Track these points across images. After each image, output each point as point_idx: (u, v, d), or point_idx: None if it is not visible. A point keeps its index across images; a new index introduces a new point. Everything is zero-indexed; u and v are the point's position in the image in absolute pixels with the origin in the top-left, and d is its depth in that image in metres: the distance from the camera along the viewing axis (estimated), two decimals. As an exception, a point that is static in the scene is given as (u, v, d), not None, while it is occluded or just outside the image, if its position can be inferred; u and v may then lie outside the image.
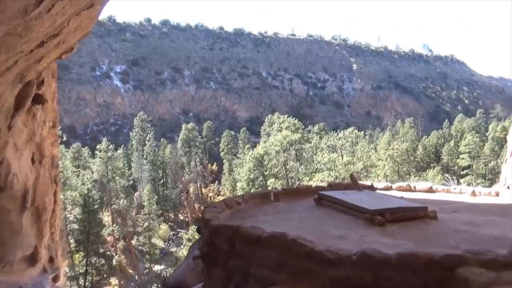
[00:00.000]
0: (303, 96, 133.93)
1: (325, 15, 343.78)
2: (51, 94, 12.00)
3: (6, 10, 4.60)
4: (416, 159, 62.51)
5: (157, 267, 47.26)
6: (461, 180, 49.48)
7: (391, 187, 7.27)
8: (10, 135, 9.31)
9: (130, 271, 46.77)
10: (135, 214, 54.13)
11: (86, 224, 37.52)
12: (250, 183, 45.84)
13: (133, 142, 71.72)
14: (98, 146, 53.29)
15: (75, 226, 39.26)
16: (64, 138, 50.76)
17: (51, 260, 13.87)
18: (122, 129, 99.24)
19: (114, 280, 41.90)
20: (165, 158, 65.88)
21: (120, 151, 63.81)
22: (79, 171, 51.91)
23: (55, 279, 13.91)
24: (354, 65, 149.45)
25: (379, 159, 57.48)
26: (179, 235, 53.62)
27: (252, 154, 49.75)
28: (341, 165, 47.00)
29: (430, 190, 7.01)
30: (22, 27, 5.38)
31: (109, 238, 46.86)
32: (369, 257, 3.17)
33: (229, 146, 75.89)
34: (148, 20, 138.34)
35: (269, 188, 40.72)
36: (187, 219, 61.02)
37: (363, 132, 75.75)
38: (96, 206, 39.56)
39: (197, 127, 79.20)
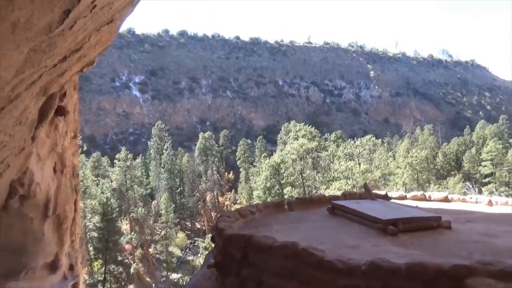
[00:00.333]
0: (319, 104, 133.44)
1: (341, 23, 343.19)
2: (72, 105, 12.41)
3: (32, 27, 4.83)
4: (436, 167, 61.28)
5: (174, 276, 47.50)
6: (483, 189, 48.21)
7: (406, 196, 7.22)
8: (34, 145, 9.68)
9: (148, 279, 47.10)
10: (152, 222, 54.68)
11: (105, 232, 38.14)
12: (267, 192, 45.77)
13: (151, 151, 72.79)
14: (117, 155, 54.33)
15: (94, 234, 39.98)
16: (85, 148, 51.93)
17: (71, 267, 14.21)
18: (141, 138, 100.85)
19: (132, 288, 42.37)
20: (182, 167, 66.50)
21: (138, 160, 64.83)
22: (98, 180, 52.94)
23: (75, 286, 14.23)
24: (372, 72, 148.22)
25: (398, 167, 56.57)
26: (196, 244, 53.81)
27: (268, 162, 49.71)
28: (358, 173, 46.43)
29: (446, 200, 6.92)
30: (47, 43, 5.65)
31: (127, 246, 47.43)
32: (379, 267, 3.20)
33: (245, 155, 76.11)
34: (166, 31, 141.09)
35: (286, 196, 40.59)
36: (204, 227, 61.25)
37: (381, 139, 74.82)
38: (114, 215, 40.22)
39: (214, 135, 79.82)
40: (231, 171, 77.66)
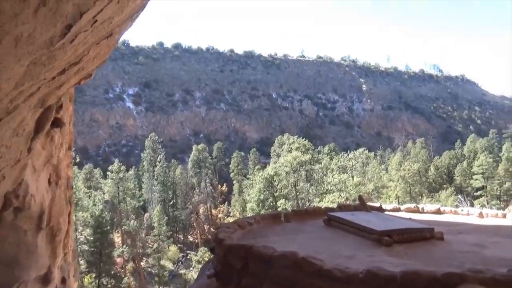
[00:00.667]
0: (313, 117, 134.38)
1: (334, 37, 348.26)
2: (68, 117, 12.45)
3: (34, 42, 4.93)
4: (428, 180, 61.78)
5: (166, 290, 46.86)
6: (475, 202, 48.63)
7: (400, 208, 7.35)
8: (29, 157, 9.67)
9: (139, 293, 46.39)
10: (144, 235, 54.08)
11: (98, 245, 37.67)
12: (260, 204, 45.68)
13: (144, 163, 72.43)
14: (110, 167, 53.96)
15: (85, 247, 39.44)
16: (77, 160, 51.56)
17: (64, 280, 14.01)
18: (134, 150, 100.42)
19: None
20: (175, 179, 66.20)
21: (131, 172, 64.44)
22: (90, 192, 52.45)
23: (67, 299, 14.03)
24: (364, 86, 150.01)
25: (391, 180, 56.94)
26: (188, 257, 53.25)
27: (262, 175, 49.76)
28: (351, 186, 46.66)
29: (438, 212, 7.07)
30: (47, 56, 5.74)
31: (118, 260, 46.77)
32: (375, 275, 3.30)
33: (239, 167, 76.06)
34: (161, 44, 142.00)
35: (279, 209, 40.55)
36: (196, 240, 60.72)
37: (373, 152, 75.32)
38: (107, 228, 39.81)
39: (207, 148, 79.77)
40: (225, 184, 77.43)
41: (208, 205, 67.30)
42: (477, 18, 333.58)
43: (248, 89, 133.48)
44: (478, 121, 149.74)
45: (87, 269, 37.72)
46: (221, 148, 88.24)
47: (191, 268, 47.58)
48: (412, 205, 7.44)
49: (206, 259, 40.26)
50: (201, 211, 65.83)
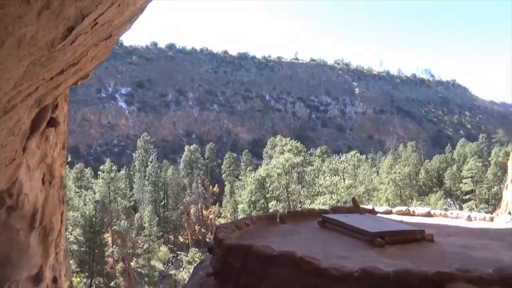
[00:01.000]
0: (305, 119, 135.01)
1: (328, 40, 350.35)
2: (63, 117, 12.45)
3: (36, 43, 4.99)
4: (418, 183, 62.41)
5: (156, 290, 46.66)
6: (464, 205, 49.23)
7: (391, 211, 7.53)
8: (24, 156, 9.67)
9: (129, 293, 46.12)
10: (135, 235, 53.80)
11: (91, 244, 37.52)
12: (252, 206, 45.75)
13: (135, 163, 72.05)
14: (101, 167, 53.62)
15: (75, 247, 39.17)
16: (68, 159, 51.16)
17: (55, 280, 13.96)
18: (125, 150, 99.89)
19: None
20: (167, 180, 65.98)
21: (122, 172, 64.06)
22: (81, 191, 52.06)
23: (59, 299, 13.98)
24: (357, 89, 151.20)
25: (381, 183, 57.44)
26: (178, 258, 53.08)
27: (254, 176, 49.83)
28: (343, 188, 46.97)
29: (428, 215, 7.26)
30: (46, 57, 5.80)
31: (108, 260, 46.48)
32: (370, 274, 3.45)
33: (231, 168, 76.06)
34: (155, 44, 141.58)
35: (271, 210, 40.67)
36: (187, 241, 60.55)
37: (365, 155, 75.91)
38: (99, 227, 39.62)
39: (199, 148, 79.62)
40: (216, 185, 77.33)
41: (199, 205, 67.17)
42: (470, 24, 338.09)
43: (241, 91, 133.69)
44: (468, 126, 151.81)
45: (78, 269, 37.49)
46: (213, 149, 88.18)
47: (182, 269, 47.43)
48: (404, 208, 7.62)
49: (197, 259, 40.27)
50: (192, 211, 65.67)
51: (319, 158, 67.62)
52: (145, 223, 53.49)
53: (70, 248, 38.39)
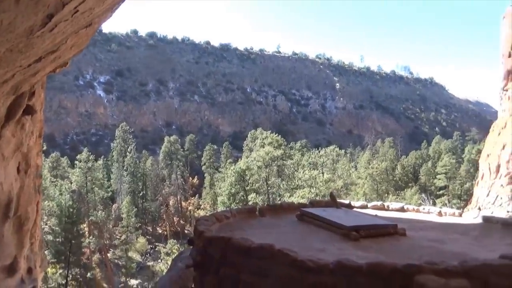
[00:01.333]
0: (286, 113, 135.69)
1: (310, 34, 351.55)
2: (39, 105, 12.16)
3: (14, 30, 4.89)
4: (394, 179, 63.92)
5: (133, 281, 46.40)
6: (437, 200, 50.80)
7: (367, 205, 7.76)
8: (-1, 144, 9.43)
9: (105, 285, 45.70)
10: (112, 226, 53.18)
11: (68, 235, 36.93)
12: (231, 198, 45.87)
13: (114, 153, 70.89)
14: (78, 156, 52.57)
15: (50, 237, 38.46)
16: (44, 147, 49.87)
17: (30, 271, 13.72)
18: (103, 140, 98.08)
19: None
20: (146, 170, 65.29)
21: (100, 161, 62.98)
22: (57, 180, 50.97)
23: (33, 290, 13.76)
24: (337, 84, 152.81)
25: (359, 178, 58.54)
26: (156, 249, 52.85)
27: (234, 168, 49.90)
28: (321, 182, 47.65)
29: (402, 210, 7.53)
30: (24, 44, 5.68)
31: (85, 251, 45.87)
32: (344, 266, 3.62)
33: (211, 160, 75.91)
34: (135, 32, 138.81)
35: (250, 203, 40.91)
36: (165, 232, 60.29)
37: (344, 150, 77.09)
38: (74, 218, 38.95)
39: (179, 140, 78.96)
40: (196, 176, 77.04)
41: (178, 197, 66.86)
42: (450, 24, 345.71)
43: (223, 82, 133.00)
44: (444, 123, 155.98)
45: (54, 260, 36.88)
46: (194, 140, 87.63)
47: (160, 260, 47.27)
48: (379, 203, 7.87)
49: (175, 251, 40.20)
50: (171, 203, 65.33)
51: (299, 152, 68.25)
52: (123, 214, 52.90)
53: (45, 238, 37.62)
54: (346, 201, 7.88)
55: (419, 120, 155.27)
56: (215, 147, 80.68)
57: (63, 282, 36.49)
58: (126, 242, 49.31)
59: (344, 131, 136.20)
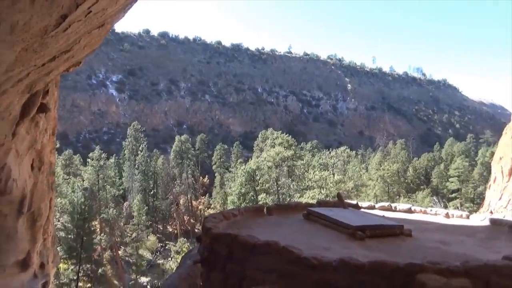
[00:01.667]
0: (297, 113, 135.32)
1: (321, 35, 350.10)
2: (53, 103, 12.39)
3: (29, 30, 5.02)
4: (406, 181, 63.32)
5: (143, 279, 46.83)
6: (450, 203, 50.14)
7: (374, 206, 7.77)
8: (14, 142, 9.65)
9: (115, 282, 46.25)
10: (123, 224, 53.79)
11: (79, 232, 37.57)
12: (241, 198, 45.98)
13: (125, 151, 71.67)
14: (90, 154, 53.32)
15: (62, 234, 39.09)
16: (57, 145, 50.70)
17: (42, 266, 13.99)
18: (115, 138, 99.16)
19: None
20: (157, 169, 65.86)
21: (112, 160, 63.77)
22: (70, 178, 51.76)
23: (45, 285, 14.02)
24: (349, 85, 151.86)
25: (370, 179, 58.14)
26: (167, 247, 53.28)
27: (244, 168, 50.00)
28: (332, 183, 47.38)
29: (409, 211, 7.52)
30: (38, 43, 5.82)
31: (96, 247, 46.49)
32: (346, 264, 3.67)
33: (221, 160, 76.20)
34: (147, 32, 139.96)
35: (260, 203, 40.97)
36: (175, 231, 60.72)
37: (355, 151, 76.66)
38: (86, 215, 39.56)
39: (190, 139, 79.44)
40: (206, 176, 77.46)
41: (189, 196, 67.28)
42: (464, 25, 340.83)
43: (234, 82, 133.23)
44: (457, 125, 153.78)
45: (66, 256, 37.53)
46: (204, 140, 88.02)
47: (170, 259, 47.67)
48: (386, 204, 7.87)
49: (186, 249, 40.48)
50: (181, 202, 65.77)
51: (309, 152, 68.11)
52: (134, 212, 53.48)
53: (58, 234, 38.27)
54: (353, 202, 7.90)
55: (432, 122, 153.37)
56: (226, 146, 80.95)
57: (75, 277, 37.12)
58: (137, 240, 49.83)
59: (355, 132, 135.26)
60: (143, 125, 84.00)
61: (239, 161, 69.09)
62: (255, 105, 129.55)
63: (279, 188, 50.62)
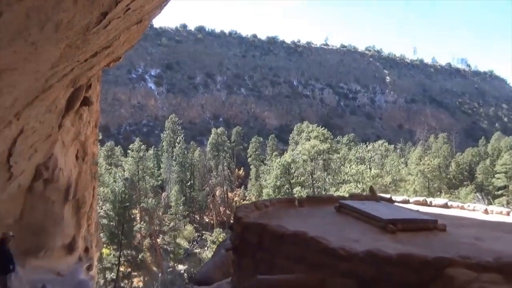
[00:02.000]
0: (333, 106, 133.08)
1: (359, 26, 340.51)
2: (95, 96, 13.01)
3: (72, 27, 5.32)
4: (448, 176, 60.80)
5: (180, 267, 48.24)
6: (495, 201, 47.74)
7: (409, 200, 7.60)
8: (60, 133, 10.28)
9: (154, 268, 47.98)
10: (162, 213, 55.56)
11: (121, 219, 39.32)
12: (276, 190, 46.09)
13: (163, 143, 73.76)
14: (130, 146, 55.33)
15: (105, 221, 41.01)
16: (99, 137, 52.92)
17: (86, 250, 14.87)
18: (154, 130, 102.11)
19: (139, 276, 43.44)
20: (193, 161, 67.28)
21: (151, 151, 65.84)
22: (111, 168, 54.00)
23: (89, 268, 14.89)
24: (388, 77, 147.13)
25: (409, 174, 56.38)
26: (203, 237, 54.49)
27: (279, 161, 50.02)
28: (369, 177, 46.37)
29: (445, 206, 7.29)
30: (81, 40, 6.15)
31: (136, 235, 48.38)
32: (374, 255, 3.67)
33: (257, 152, 76.61)
34: (184, 26, 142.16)
35: (295, 196, 40.88)
36: (212, 221, 61.96)
37: (393, 145, 74.47)
38: (127, 204, 41.25)
39: (226, 132, 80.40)
40: (242, 168, 78.26)
41: (224, 188, 68.32)
42: (509, 13, 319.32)
43: (269, 76, 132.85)
44: (505, 119, 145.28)
45: (108, 241, 39.44)
46: (240, 132, 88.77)
47: (206, 248, 48.76)
48: (421, 199, 7.67)
49: (221, 240, 41.27)
50: (217, 193, 66.93)
51: (346, 146, 66.96)
52: (171, 202, 55.12)
53: (100, 221, 40.22)
54: (387, 196, 7.77)
55: (477, 115, 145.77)
56: (261, 139, 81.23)
57: (116, 262, 38.97)
58: (175, 229, 51.37)
59: (394, 126, 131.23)
60: (180, 118, 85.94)
61: (274, 154, 69.18)
62: (291, 98, 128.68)
63: (314, 182, 50.23)
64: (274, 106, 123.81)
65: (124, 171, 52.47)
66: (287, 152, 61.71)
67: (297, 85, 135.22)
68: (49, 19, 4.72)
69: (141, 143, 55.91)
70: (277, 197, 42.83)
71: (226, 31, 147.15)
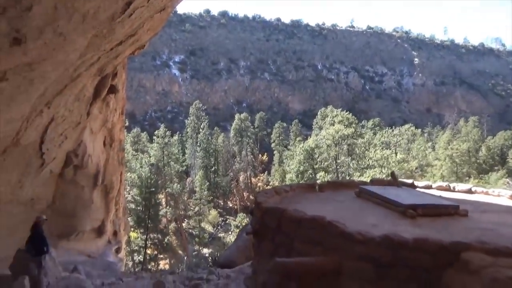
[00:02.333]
0: (359, 90, 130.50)
1: (386, 6, 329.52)
2: (121, 84, 13.34)
3: (98, 17, 5.50)
4: (478, 161, 58.97)
5: (205, 250, 49.39)
6: (528, 186, 46.03)
7: (431, 186, 7.51)
8: (88, 120, 10.67)
9: (180, 251, 49.32)
10: (187, 198, 56.72)
11: (147, 204, 40.52)
12: (300, 175, 46.07)
13: (188, 129, 74.76)
14: (156, 132, 56.39)
15: (132, 205, 42.34)
16: (126, 124, 54.17)
17: (115, 233, 15.48)
18: (178, 117, 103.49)
19: (165, 258, 44.82)
20: (217, 146, 68.00)
21: (175, 137, 66.92)
22: (138, 154, 55.34)
23: (118, 250, 15.54)
24: (416, 59, 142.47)
25: (437, 159, 54.99)
26: (227, 222, 55.40)
27: (303, 146, 49.82)
28: (394, 162, 45.50)
29: (469, 191, 7.17)
30: (107, 29, 6.34)
31: (162, 219, 49.74)
32: (390, 239, 3.71)
33: (280, 138, 76.56)
34: (207, 12, 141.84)
35: (318, 181, 40.76)
36: (236, 206, 62.80)
37: (421, 129, 72.64)
38: (153, 189, 42.33)
39: (250, 117, 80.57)
40: (265, 153, 78.53)
41: (248, 173, 68.87)
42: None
43: (293, 60, 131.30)
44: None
45: (135, 225, 40.79)
46: (264, 118, 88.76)
47: (230, 232, 49.62)
48: (444, 184, 7.57)
49: (244, 224, 41.91)
50: (241, 178, 67.57)
51: (371, 130, 65.85)
52: (196, 187, 56.14)
53: (128, 206, 41.58)
54: (409, 181, 7.70)
55: (511, 98, 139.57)
56: (285, 124, 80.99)
57: (143, 245, 40.34)
58: (199, 214, 52.45)
59: (422, 109, 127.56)
60: (204, 103, 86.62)
61: (297, 139, 68.93)
62: (315, 82, 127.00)
63: (338, 167, 49.79)
64: (298, 91, 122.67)
65: (150, 157, 53.68)
66: (310, 137, 61.33)
67: (321, 69, 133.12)
68: (76, 10, 4.90)
69: (166, 129, 56.90)
70: (300, 182, 42.94)
71: (250, 15, 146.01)
